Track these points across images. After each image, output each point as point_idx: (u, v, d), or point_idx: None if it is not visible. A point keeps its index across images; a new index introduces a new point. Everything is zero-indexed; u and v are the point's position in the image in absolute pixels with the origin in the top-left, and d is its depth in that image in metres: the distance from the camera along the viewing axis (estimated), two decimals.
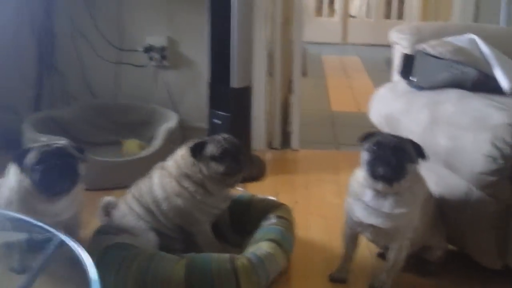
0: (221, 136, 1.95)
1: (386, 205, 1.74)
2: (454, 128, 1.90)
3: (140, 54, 3.11)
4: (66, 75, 3.18)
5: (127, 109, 3.10)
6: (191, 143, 1.94)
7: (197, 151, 1.90)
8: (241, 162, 1.92)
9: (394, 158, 1.68)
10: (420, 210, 1.80)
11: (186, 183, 1.91)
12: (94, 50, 3.13)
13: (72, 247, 1.27)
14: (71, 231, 1.90)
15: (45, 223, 1.42)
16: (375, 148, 1.71)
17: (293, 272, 1.98)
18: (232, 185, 1.98)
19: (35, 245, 1.85)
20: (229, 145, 1.91)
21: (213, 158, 1.89)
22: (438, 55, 2.24)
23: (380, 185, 1.72)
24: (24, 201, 1.80)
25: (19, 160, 1.78)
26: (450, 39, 2.37)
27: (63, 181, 1.79)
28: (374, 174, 1.71)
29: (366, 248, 2.06)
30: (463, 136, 1.84)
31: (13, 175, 1.85)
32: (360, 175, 1.78)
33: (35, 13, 3.07)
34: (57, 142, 1.82)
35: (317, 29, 6.61)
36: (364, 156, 1.74)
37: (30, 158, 1.76)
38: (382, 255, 2.04)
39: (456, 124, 1.90)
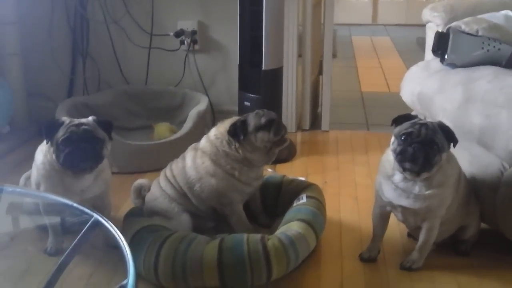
0: (256, 111, 1.95)
1: (416, 188, 1.73)
2: (489, 106, 1.86)
3: (171, 39, 3.13)
4: (99, 61, 3.23)
5: (159, 94, 3.13)
6: (226, 124, 1.95)
7: (241, 131, 1.89)
8: (285, 127, 1.95)
9: (421, 154, 1.66)
10: (453, 189, 1.77)
11: (224, 161, 1.92)
12: (127, 35, 3.16)
13: (109, 228, 1.29)
14: (102, 212, 1.94)
15: (75, 201, 1.45)
16: (402, 139, 1.69)
17: (323, 252, 1.98)
18: (274, 156, 1.98)
19: (70, 227, 1.91)
20: (270, 114, 1.93)
21: (260, 127, 1.90)
22: (472, 32, 2.20)
23: (407, 175, 1.72)
24: (51, 177, 1.84)
25: (48, 133, 1.81)
26: (485, 16, 2.32)
27: (85, 162, 1.82)
28: (401, 165, 1.70)
29: (396, 227, 2.05)
30: (498, 114, 1.80)
31: (39, 153, 1.89)
32: (391, 155, 1.77)
33: (70, 0, 3.11)
34: (85, 122, 1.83)
35: (347, 10, 6.54)
36: (393, 142, 1.73)
37: (59, 134, 1.79)
38: (411, 235, 2.03)
39: (491, 102, 1.87)
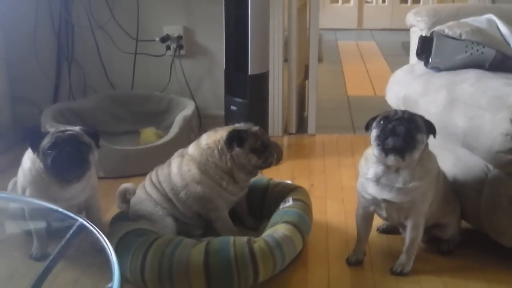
0: (255, 128, 1.96)
1: (400, 180, 1.73)
2: (472, 108, 1.88)
3: (157, 44, 3.13)
4: (85, 66, 3.22)
5: (145, 99, 3.13)
6: (218, 133, 1.95)
7: (240, 141, 1.90)
8: (274, 154, 1.96)
9: (403, 128, 1.67)
10: (434, 184, 1.79)
11: (212, 172, 1.92)
12: (112, 41, 3.15)
13: (93, 231, 1.28)
14: (91, 213, 1.97)
15: (63, 207, 1.45)
16: (382, 122, 1.71)
17: (310, 254, 1.99)
18: (256, 175, 2.01)
19: (55, 232, 1.90)
20: (265, 138, 1.95)
21: (253, 150, 1.91)
22: (456, 36, 2.22)
23: (391, 159, 1.70)
24: (37, 184, 1.84)
25: (33, 142, 1.81)
26: (468, 20, 2.35)
27: (73, 169, 1.81)
28: (384, 148, 1.69)
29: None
30: (481, 116, 1.82)
31: (26, 159, 1.88)
32: (369, 153, 1.78)
33: (54, 5, 3.10)
34: (71, 128, 1.84)
35: (332, 15, 6.58)
36: (373, 133, 1.74)
37: (44, 142, 1.79)
38: (384, 231, 2.08)
39: (474, 104, 1.89)
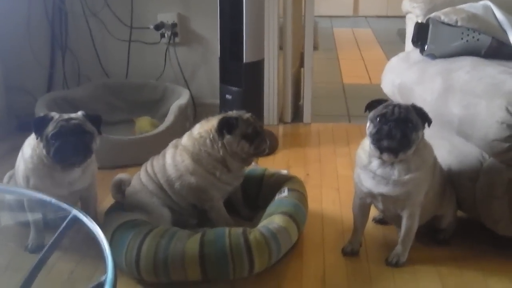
0: (247, 114, 1.94)
1: (395, 173, 1.74)
2: (468, 96, 1.87)
3: (151, 32, 3.11)
4: (79, 54, 3.19)
5: (140, 88, 3.11)
6: (210, 122, 1.94)
7: (230, 128, 1.89)
8: (266, 141, 1.95)
9: (398, 131, 1.67)
10: (429, 174, 1.79)
11: (205, 161, 1.91)
12: (106, 28, 3.13)
13: (86, 223, 1.28)
14: (88, 203, 1.98)
15: (62, 195, 1.44)
16: (378, 120, 1.71)
17: (305, 244, 1.99)
18: (250, 163, 1.99)
19: (51, 224, 1.90)
20: (257, 124, 1.93)
21: (245, 136, 1.90)
22: (452, 23, 2.21)
23: (385, 156, 1.72)
24: (40, 171, 1.84)
25: (37, 128, 1.81)
26: (464, 6, 2.33)
27: (75, 156, 1.83)
28: (379, 146, 1.71)
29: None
30: (476, 104, 1.81)
31: (27, 147, 1.88)
32: (366, 144, 1.78)
33: None
34: (74, 117, 1.83)
35: (328, 2, 6.54)
36: (369, 127, 1.74)
37: (48, 129, 1.79)
38: (380, 221, 2.08)
39: (470, 92, 1.88)
